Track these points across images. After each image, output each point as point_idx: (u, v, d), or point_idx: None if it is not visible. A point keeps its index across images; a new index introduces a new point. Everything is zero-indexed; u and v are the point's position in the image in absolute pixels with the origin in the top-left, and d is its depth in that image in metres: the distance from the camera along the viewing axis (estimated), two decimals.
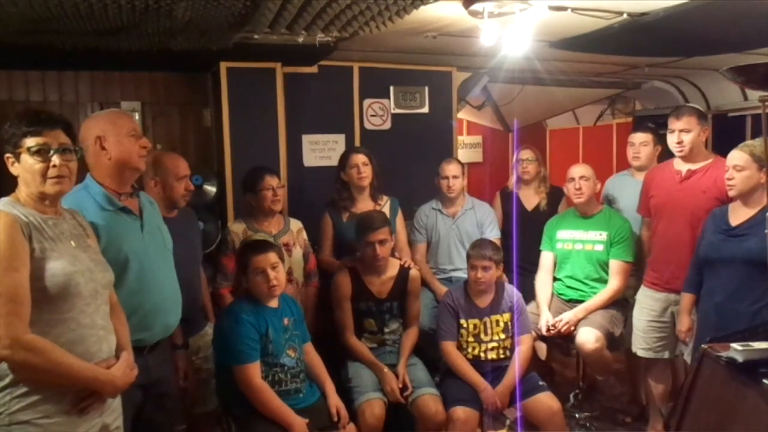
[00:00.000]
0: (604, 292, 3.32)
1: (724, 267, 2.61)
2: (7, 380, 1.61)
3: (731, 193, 2.64)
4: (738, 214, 2.63)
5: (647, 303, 3.13)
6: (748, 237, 2.52)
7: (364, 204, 3.36)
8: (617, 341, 3.30)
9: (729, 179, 2.62)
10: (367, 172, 3.32)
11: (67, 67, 3.58)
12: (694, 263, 2.81)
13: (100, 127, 2.05)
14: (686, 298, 2.84)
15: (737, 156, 2.61)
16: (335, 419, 2.56)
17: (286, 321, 2.59)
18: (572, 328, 3.24)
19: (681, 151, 3.00)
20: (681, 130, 2.98)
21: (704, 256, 2.72)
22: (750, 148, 2.60)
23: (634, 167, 3.64)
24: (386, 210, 3.38)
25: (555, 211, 3.79)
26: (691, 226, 2.94)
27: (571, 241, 3.43)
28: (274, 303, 2.58)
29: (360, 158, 3.32)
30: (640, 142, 3.57)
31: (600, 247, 3.36)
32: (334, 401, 2.60)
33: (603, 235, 3.36)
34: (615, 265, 3.34)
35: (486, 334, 3.00)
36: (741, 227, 2.59)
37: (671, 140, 3.03)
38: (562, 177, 3.58)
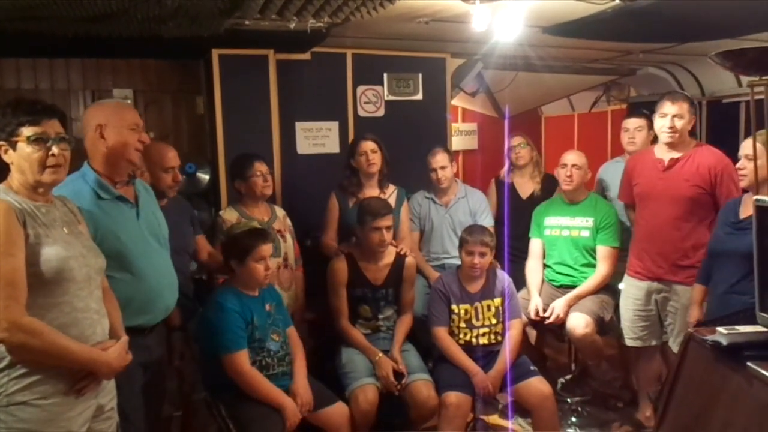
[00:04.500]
0: (593, 278, 3.34)
1: (728, 260, 2.54)
2: (4, 362, 1.63)
3: (742, 184, 2.56)
4: (748, 206, 2.51)
5: (631, 292, 3.14)
6: (752, 230, 2.47)
7: (371, 191, 3.35)
8: (607, 326, 3.32)
9: (741, 169, 2.54)
10: (376, 159, 3.31)
11: (58, 55, 3.56)
12: (707, 255, 2.74)
13: (104, 115, 2.08)
14: (697, 290, 2.77)
15: (749, 145, 2.50)
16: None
17: (268, 306, 2.62)
18: (562, 315, 3.25)
19: (671, 137, 2.96)
20: (675, 115, 2.93)
21: (710, 249, 2.68)
22: (763, 136, 2.46)
23: (629, 153, 3.63)
24: (392, 199, 3.37)
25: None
26: (675, 216, 2.93)
27: (558, 227, 3.44)
28: (254, 291, 2.60)
29: (369, 145, 3.32)
30: (635, 128, 3.57)
31: (586, 233, 3.38)
32: (295, 387, 2.56)
33: (589, 222, 3.38)
34: (602, 251, 3.36)
35: (477, 319, 3.02)
36: (747, 220, 2.48)
37: (662, 124, 2.97)
38: (557, 163, 3.58)
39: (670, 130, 2.95)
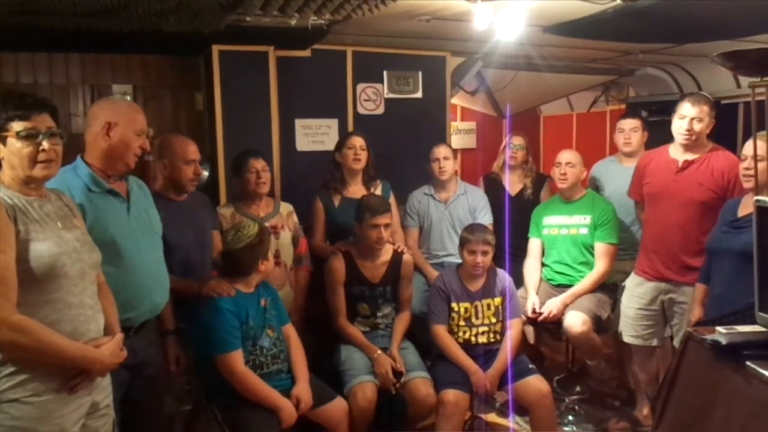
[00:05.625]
0: (591, 276, 3.35)
1: (724, 259, 2.54)
2: None
3: (749, 185, 2.51)
4: (747, 206, 2.52)
5: (637, 291, 3.13)
6: (747, 229, 2.39)
7: (357, 188, 3.37)
8: (605, 324, 3.33)
9: (748, 169, 2.49)
10: (362, 156, 3.33)
11: (57, 49, 3.54)
12: (706, 254, 2.74)
13: (116, 114, 2.08)
14: (699, 289, 2.76)
15: (758, 146, 2.40)
16: (293, 403, 2.49)
17: (263, 301, 2.61)
18: (559, 313, 3.27)
19: (687, 140, 2.91)
20: (694, 118, 2.88)
21: (708, 248, 2.68)
22: (765, 138, 2.38)
23: (625, 153, 3.65)
24: (377, 193, 3.39)
25: (538, 197, 3.85)
26: (685, 218, 2.92)
27: (557, 226, 3.46)
28: (250, 288, 2.59)
29: (358, 141, 3.34)
30: (631, 128, 3.58)
31: (584, 231, 3.40)
32: (296, 391, 2.53)
33: (587, 219, 3.40)
34: (600, 248, 3.37)
35: (477, 317, 3.02)
36: (744, 219, 2.49)
37: (680, 126, 2.92)
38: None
39: (687, 133, 2.90)
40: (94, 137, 2.07)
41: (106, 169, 2.09)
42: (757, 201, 1.62)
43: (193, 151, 2.68)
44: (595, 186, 3.76)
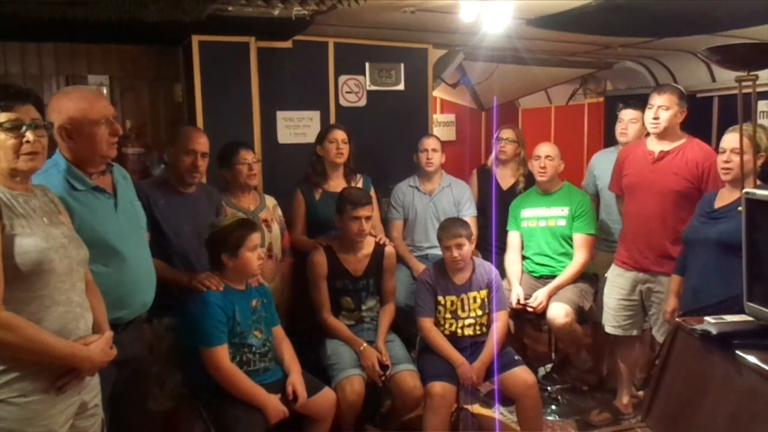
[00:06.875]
0: (572, 267, 3.40)
1: (700, 249, 2.60)
2: None
3: (727, 178, 2.56)
4: (723, 197, 2.60)
5: (617, 282, 3.19)
6: (724, 220, 2.50)
7: (338, 182, 3.35)
8: (587, 315, 3.38)
9: (727, 162, 2.54)
10: (345, 150, 3.32)
11: (29, 38, 3.43)
12: (683, 245, 2.80)
13: (67, 115, 1.94)
14: (674, 280, 2.83)
15: (735, 139, 2.49)
16: (290, 398, 2.49)
17: (254, 302, 2.58)
18: (545, 304, 3.31)
19: (655, 128, 3.00)
20: (660, 106, 2.97)
21: (684, 238, 2.74)
22: (747, 131, 2.39)
23: (621, 143, 3.67)
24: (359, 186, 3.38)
25: None
26: (662, 208, 2.98)
27: (535, 218, 3.50)
28: (241, 285, 2.56)
29: (341, 135, 3.33)
30: (629, 119, 3.59)
31: (563, 222, 3.44)
32: (292, 380, 2.53)
33: (565, 211, 3.44)
34: (579, 239, 3.42)
35: (463, 310, 3.03)
36: (721, 210, 2.56)
37: (648, 116, 3.02)
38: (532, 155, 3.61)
39: (654, 121, 2.99)
40: (59, 142, 1.99)
41: (86, 166, 2.01)
42: (746, 193, 1.64)
43: (196, 142, 2.66)
44: (593, 176, 3.78)
